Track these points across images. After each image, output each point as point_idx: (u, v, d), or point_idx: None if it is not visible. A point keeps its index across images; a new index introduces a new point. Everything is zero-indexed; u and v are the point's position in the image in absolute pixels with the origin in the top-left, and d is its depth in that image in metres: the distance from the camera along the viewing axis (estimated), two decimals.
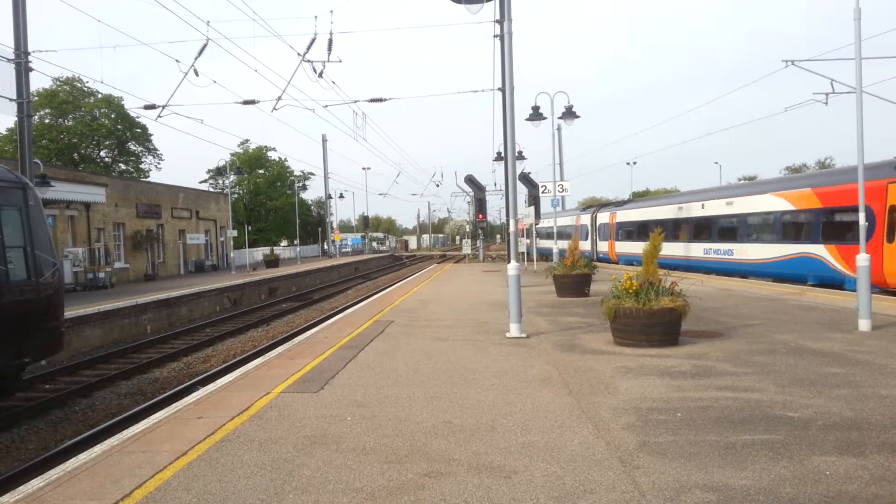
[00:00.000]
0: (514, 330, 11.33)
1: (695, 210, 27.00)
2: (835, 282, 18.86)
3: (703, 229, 26.36)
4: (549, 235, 38.56)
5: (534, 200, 36.07)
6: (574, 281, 17.96)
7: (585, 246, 34.95)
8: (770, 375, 7.86)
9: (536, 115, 23.30)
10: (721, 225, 24.94)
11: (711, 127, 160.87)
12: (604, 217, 36.65)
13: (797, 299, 15.92)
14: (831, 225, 19.30)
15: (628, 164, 78.73)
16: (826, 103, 20.98)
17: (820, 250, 19.52)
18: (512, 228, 12.50)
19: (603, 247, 36.10)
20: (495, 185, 58.41)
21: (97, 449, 6.01)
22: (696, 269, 24.63)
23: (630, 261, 28.18)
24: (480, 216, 46.90)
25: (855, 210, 11.29)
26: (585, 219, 39.50)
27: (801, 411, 6.32)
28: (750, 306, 14.85)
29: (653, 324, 9.79)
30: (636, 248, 24.02)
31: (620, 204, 37.10)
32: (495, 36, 26.59)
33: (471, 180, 46.62)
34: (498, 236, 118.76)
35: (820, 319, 12.44)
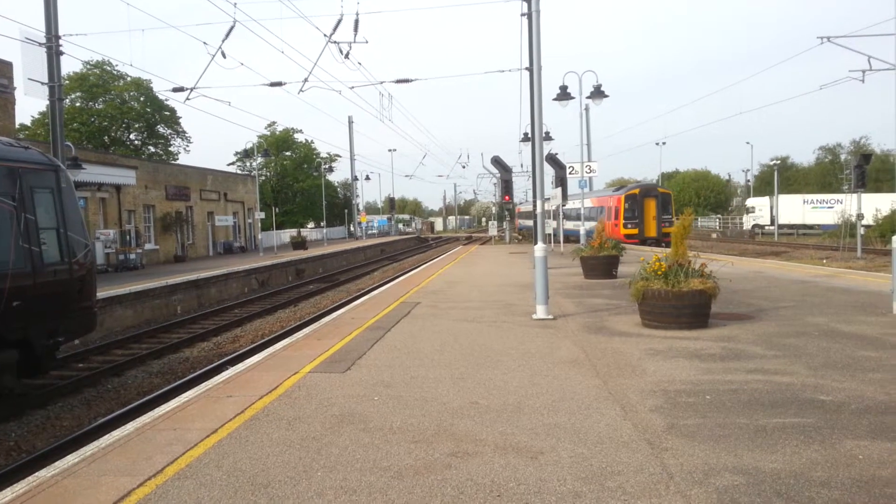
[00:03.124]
0: (540, 311, 11.29)
1: (577, 204, 47.32)
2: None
3: (578, 214, 45.21)
4: (577, 217, 45.94)
5: (560, 182, 36.09)
6: (601, 263, 17.83)
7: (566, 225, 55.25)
8: (801, 358, 7.75)
9: (564, 94, 22.91)
10: (585, 213, 45.80)
11: (743, 106, 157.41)
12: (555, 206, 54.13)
13: (829, 282, 15.64)
14: (602, 214, 41.10)
15: (657, 144, 78.06)
16: (863, 81, 20.60)
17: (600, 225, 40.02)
18: (539, 210, 12.42)
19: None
20: (522, 166, 58.00)
21: (130, 426, 6.13)
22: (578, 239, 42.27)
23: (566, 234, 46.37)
24: (507, 197, 46.79)
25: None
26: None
27: (834, 395, 6.22)
28: (781, 288, 14.63)
29: (682, 306, 9.68)
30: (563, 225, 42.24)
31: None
32: (522, 14, 26.19)
33: (497, 161, 46.42)
34: None
35: (853, 302, 12.21)
